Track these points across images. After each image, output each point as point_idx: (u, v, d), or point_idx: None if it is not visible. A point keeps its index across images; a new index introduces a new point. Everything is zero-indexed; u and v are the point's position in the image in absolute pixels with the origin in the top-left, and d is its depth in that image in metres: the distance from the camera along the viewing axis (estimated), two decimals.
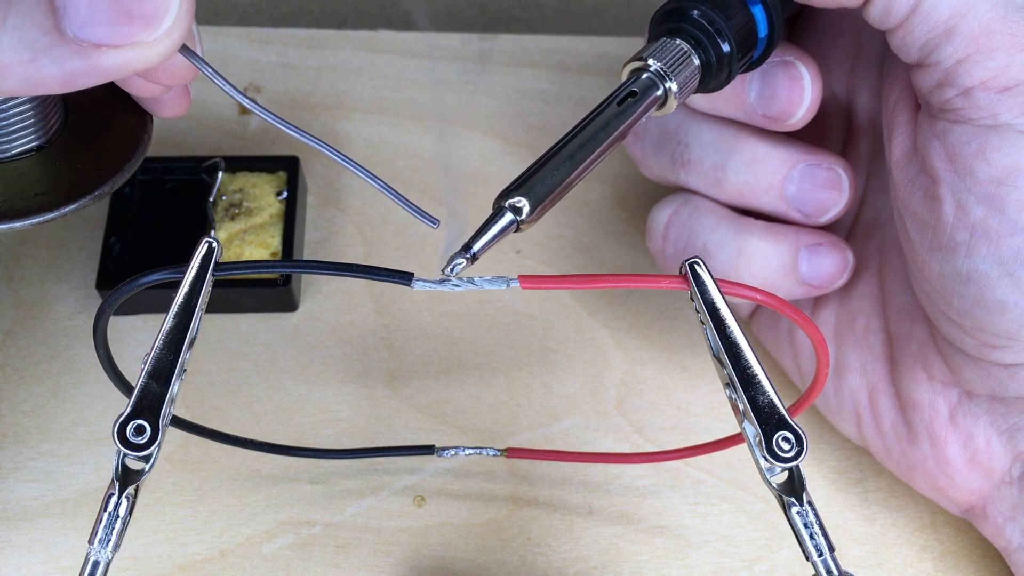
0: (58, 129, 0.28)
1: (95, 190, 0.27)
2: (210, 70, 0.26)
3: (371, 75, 0.49)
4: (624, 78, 0.29)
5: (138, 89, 0.30)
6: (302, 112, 0.47)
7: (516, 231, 0.26)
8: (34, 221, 0.26)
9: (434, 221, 0.26)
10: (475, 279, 0.26)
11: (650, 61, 0.29)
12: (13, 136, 0.27)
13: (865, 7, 0.29)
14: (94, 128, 0.28)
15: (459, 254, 0.26)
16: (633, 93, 0.28)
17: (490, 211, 0.26)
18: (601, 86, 0.49)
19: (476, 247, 0.26)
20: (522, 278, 0.25)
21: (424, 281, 0.26)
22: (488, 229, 0.26)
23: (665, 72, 0.29)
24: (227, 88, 0.26)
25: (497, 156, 0.46)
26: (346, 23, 0.62)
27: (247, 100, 0.26)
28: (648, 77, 0.29)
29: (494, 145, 0.47)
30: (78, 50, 0.23)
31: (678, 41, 0.29)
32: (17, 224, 0.26)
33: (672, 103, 0.29)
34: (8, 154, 0.27)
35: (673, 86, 0.29)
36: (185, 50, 0.25)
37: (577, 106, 0.48)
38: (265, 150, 0.45)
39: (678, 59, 0.29)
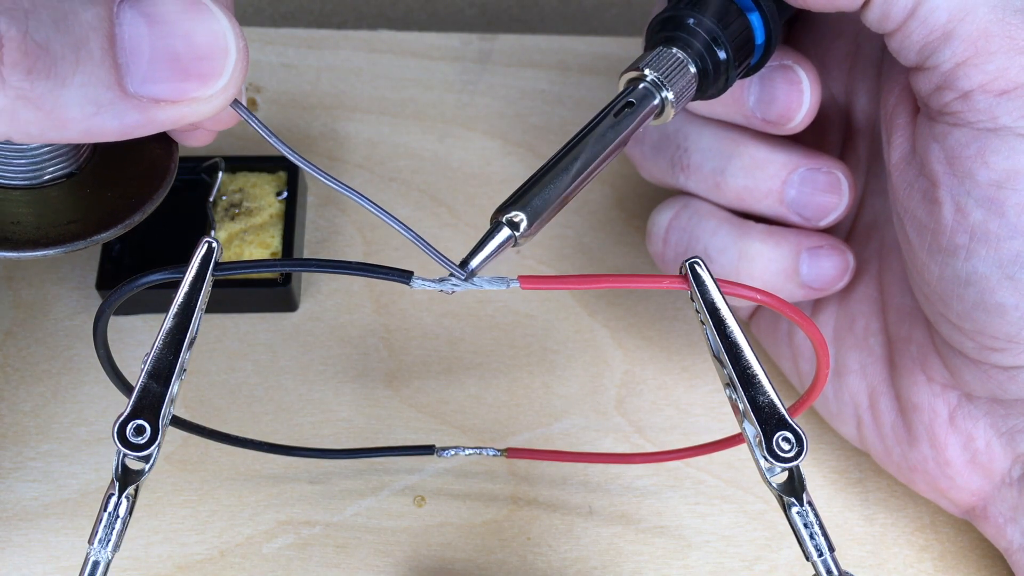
0: (88, 156, 0.28)
1: (125, 219, 0.28)
2: (255, 121, 0.26)
3: (371, 75, 0.49)
4: (621, 88, 0.29)
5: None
6: (302, 112, 0.47)
7: (514, 245, 0.26)
8: (67, 249, 0.27)
9: (458, 270, 0.26)
10: (475, 279, 0.26)
11: (646, 71, 0.29)
12: (46, 163, 0.27)
13: (863, 10, 0.29)
14: (122, 156, 0.29)
15: (456, 271, 0.26)
16: (630, 103, 0.28)
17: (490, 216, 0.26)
18: (601, 86, 0.49)
19: (474, 263, 0.26)
20: (522, 278, 0.25)
21: (423, 280, 0.26)
22: (485, 245, 0.26)
23: (662, 81, 0.29)
24: (277, 143, 0.26)
25: (497, 156, 0.46)
26: (346, 23, 0.62)
27: (296, 156, 0.26)
28: (645, 87, 0.29)
29: (494, 145, 0.47)
30: (137, 105, 0.24)
31: (674, 50, 0.29)
32: (51, 251, 0.26)
33: (669, 112, 0.29)
34: (40, 180, 0.27)
35: (670, 95, 0.29)
36: (235, 103, 0.26)
37: (577, 106, 0.48)
38: (265, 150, 0.45)
39: (674, 68, 0.29)
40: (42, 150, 0.27)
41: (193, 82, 0.24)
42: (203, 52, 0.24)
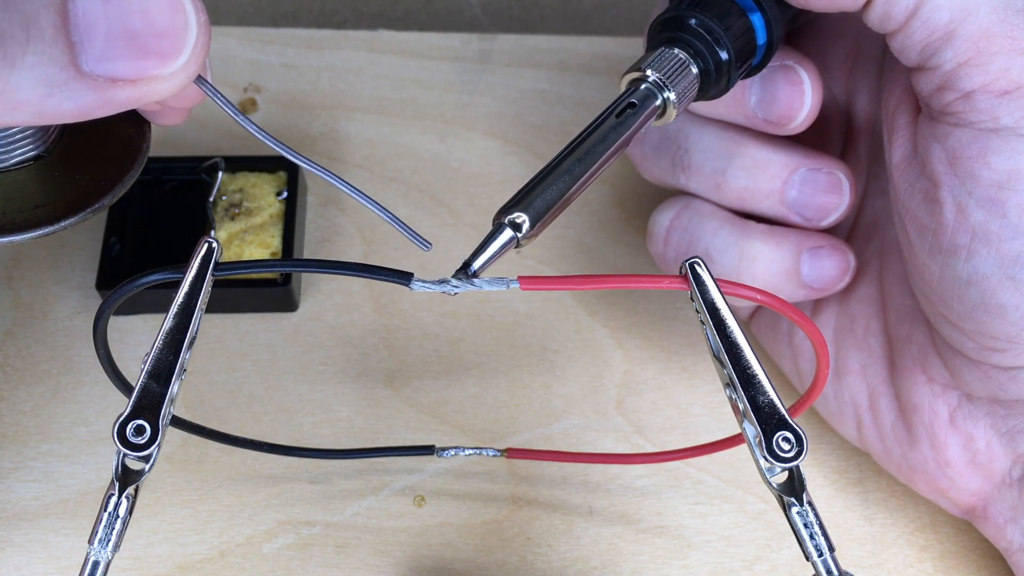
0: (56, 138, 0.27)
1: (95, 203, 0.27)
2: (221, 98, 0.26)
3: (371, 75, 0.49)
4: (623, 89, 0.29)
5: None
6: (302, 112, 0.47)
7: (516, 247, 0.26)
8: (36, 234, 0.26)
9: (427, 244, 0.26)
10: (475, 280, 0.26)
11: (648, 71, 0.29)
12: (12, 145, 0.26)
13: (864, 10, 0.29)
14: (92, 137, 0.28)
15: (457, 274, 0.26)
16: (632, 104, 0.28)
17: (491, 216, 0.26)
18: (601, 86, 0.49)
19: (476, 265, 0.26)
20: (522, 279, 0.25)
21: (423, 282, 0.25)
22: (488, 246, 0.26)
23: (663, 82, 0.29)
24: (239, 118, 0.26)
25: (497, 156, 0.46)
26: (346, 23, 0.62)
27: (254, 127, 0.26)
28: (647, 88, 0.29)
29: (494, 145, 0.47)
30: (94, 85, 0.23)
31: (676, 50, 0.29)
32: (18, 237, 0.26)
33: (671, 113, 0.29)
34: (6, 163, 0.26)
35: (672, 96, 0.29)
36: (199, 79, 0.25)
37: (577, 106, 0.48)
38: (265, 150, 0.45)
39: (676, 69, 0.29)
40: (8, 132, 0.26)
41: (152, 60, 0.23)
42: (162, 28, 0.23)
